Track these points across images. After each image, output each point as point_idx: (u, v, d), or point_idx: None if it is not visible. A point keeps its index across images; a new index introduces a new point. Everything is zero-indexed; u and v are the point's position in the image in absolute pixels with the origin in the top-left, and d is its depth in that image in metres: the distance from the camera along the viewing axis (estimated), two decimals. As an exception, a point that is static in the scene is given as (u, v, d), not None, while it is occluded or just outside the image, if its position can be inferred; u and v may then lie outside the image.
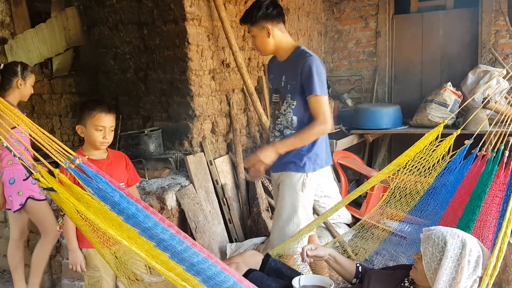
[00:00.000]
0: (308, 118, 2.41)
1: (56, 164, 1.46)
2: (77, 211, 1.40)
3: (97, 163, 2.24)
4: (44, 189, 1.37)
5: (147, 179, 3.48)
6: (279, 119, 2.48)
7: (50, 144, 1.40)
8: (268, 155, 2.33)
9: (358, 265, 2.09)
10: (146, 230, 1.31)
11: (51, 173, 1.38)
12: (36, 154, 1.40)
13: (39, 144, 1.39)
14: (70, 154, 1.39)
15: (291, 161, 2.46)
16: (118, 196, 1.31)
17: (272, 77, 2.59)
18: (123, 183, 2.39)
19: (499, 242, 1.66)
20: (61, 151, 1.40)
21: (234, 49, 3.78)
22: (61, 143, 1.43)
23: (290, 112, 2.44)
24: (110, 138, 2.22)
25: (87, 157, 1.38)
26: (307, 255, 2.02)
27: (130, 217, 1.31)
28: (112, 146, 2.48)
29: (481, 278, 1.66)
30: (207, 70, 3.78)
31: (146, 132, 3.66)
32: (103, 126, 2.17)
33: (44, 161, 1.39)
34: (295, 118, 2.44)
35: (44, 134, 1.41)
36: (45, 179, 1.33)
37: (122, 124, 3.89)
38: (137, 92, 3.96)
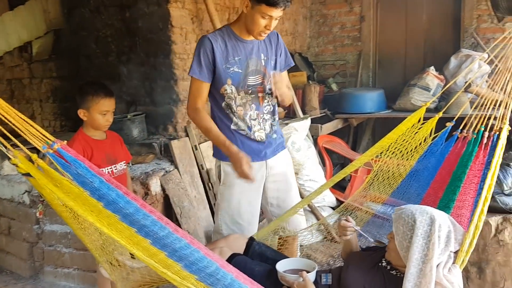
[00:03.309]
0: None
1: (37, 150, 1.43)
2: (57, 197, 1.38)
3: (101, 143, 2.38)
4: (23, 174, 1.35)
5: (130, 164, 3.45)
6: (265, 100, 2.39)
7: (27, 128, 1.37)
8: None
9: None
10: (127, 216, 1.29)
11: (30, 159, 1.35)
12: (15, 140, 1.37)
13: (16, 129, 1.36)
14: (48, 139, 1.36)
15: (282, 140, 2.56)
16: (98, 182, 1.29)
17: (240, 59, 2.29)
18: (124, 161, 2.52)
19: (475, 219, 1.70)
20: (39, 136, 1.37)
21: (218, 33, 3.73)
22: (39, 128, 1.39)
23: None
24: (111, 119, 2.36)
25: (65, 142, 1.35)
26: (347, 220, 2.00)
27: (111, 203, 1.29)
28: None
29: (456, 254, 1.69)
30: (192, 54, 3.73)
31: (129, 116, 3.62)
32: (107, 110, 2.30)
33: (22, 146, 1.36)
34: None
35: (22, 118, 1.38)
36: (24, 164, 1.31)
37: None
38: (119, 76, 3.90)
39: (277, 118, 2.49)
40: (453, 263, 1.69)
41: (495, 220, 2.60)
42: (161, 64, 3.61)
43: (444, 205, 1.99)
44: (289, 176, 2.58)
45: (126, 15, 3.70)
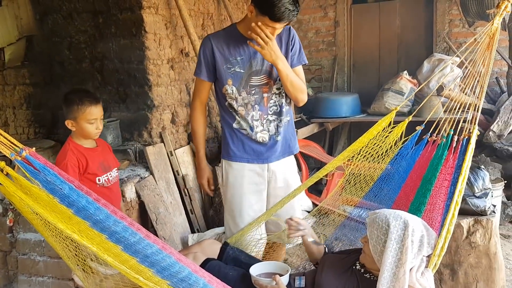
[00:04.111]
0: None
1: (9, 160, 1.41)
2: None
3: (92, 152, 2.32)
4: (-10, 181, 1.33)
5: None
6: (271, 100, 2.33)
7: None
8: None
9: (325, 246, 2.14)
10: (97, 222, 1.29)
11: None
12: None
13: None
14: (17, 146, 1.34)
15: (290, 144, 2.47)
16: (67, 189, 1.28)
17: (242, 59, 2.26)
18: (116, 168, 2.47)
19: (447, 224, 1.73)
20: (7, 143, 1.35)
21: (192, 38, 3.74)
22: (7, 135, 1.38)
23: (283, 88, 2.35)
24: (101, 126, 2.29)
25: (33, 149, 1.33)
26: (291, 219, 2.10)
27: (81, 209, 1.28)
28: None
29: (429, 258, 1.72)
30: (166, 59, 3.73)
31: (103, 123, 3.58)
32: (95, 118, 2.22)
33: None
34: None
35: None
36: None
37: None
38: (93, 82, 3.86)
39: (285, 119, 2.41)
40: (426, 266, 1.72)
41: (466, 222, 2.65)
42: (135, 70, 3.59)
43: (416, 208, 2.02)
44: (290, 184, 2.48)
45: (99, 21, 3.67)
